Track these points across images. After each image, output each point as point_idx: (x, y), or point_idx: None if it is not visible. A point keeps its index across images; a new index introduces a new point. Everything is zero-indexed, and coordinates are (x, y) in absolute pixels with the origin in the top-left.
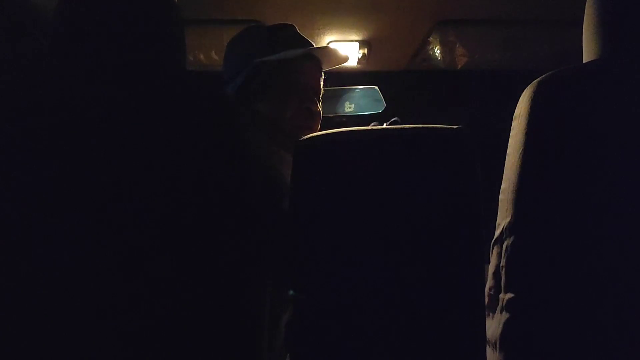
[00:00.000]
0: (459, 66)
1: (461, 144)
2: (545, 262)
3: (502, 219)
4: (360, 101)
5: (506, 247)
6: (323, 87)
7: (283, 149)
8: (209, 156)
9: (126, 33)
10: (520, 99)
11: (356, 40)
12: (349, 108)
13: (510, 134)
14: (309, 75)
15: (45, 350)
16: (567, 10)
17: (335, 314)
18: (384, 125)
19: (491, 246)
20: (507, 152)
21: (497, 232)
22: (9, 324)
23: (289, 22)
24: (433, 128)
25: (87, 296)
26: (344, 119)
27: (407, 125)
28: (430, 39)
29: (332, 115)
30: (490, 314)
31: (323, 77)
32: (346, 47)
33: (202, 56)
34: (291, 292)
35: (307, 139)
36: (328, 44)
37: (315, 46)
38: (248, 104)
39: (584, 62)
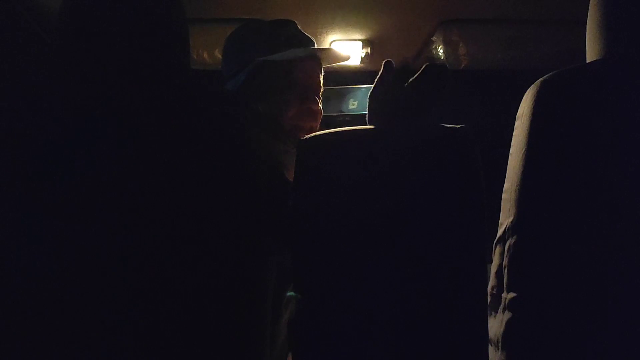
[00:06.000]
0: (462, 65)
1: (464, 143)
2: (547, 262)
3: (505, 219)
4: (364, 100)
5: (509, 246)
6: (325, 86)
7: (284, 147)
8: (213, 154)
9: (131, 31)
10: (524, 98)
11: (359, 40)
12: (352, 106)
13: (513, 134)
14: (310, 74)
15: (50, 349)
16: (570, 10)
17: (337, 312)
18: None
19: (494, 245)
20: (510, 151)
21: (500, 232)
22: (14, 325)
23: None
24: (436, 127)
25: (89, 294)
26: (348, 118)
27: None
28: (434, 38)
29: (335, 114)
30: (493, 313)
31: (323, 73)
32: (349, 46)
33: (205, 54)
34: (293, 290)
35: (310, 138)
36: (331, 43)
37: (315, 43)
38: (249, 102)
39: (587, 61)
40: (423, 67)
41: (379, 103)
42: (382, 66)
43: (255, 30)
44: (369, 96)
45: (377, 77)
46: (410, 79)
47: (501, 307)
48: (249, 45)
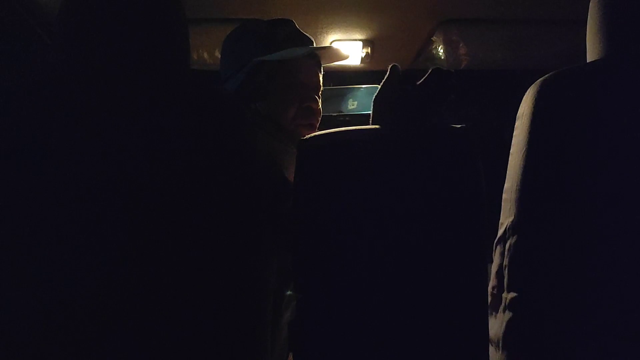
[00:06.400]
0: (463, 65)
1: (465, 143)
2: (548, 262)
3: (505, 219)
4: (364, 100)
5: (509, 246)
6: (324, 86)
7: (284, 147)
8: (214, 154)
9: (131, 32)
10: (524, 98)
11: (359, 40)
12: (352, 106)
13: (514, 134)
14: (309, 74)
15: (52, 350)
16: (571, 9)
17: (338, 313)
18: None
19: (494, 245)
20: (511, 151)
21: (500, 232)
22: (18, 326)
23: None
24: (437, 127)
25: (88, 293)
26: (348, 118)
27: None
28: (434, 38)
29: (335, 114)
30: (493, 313)
31: (322, 72)
32: (349, 46)
33: (205, 54)
34: (293, 290)
35: (310, 138)
36: (331, 43)
37: (314, 42)
38: (248, 102)
39: (587, 61)
40: (429, 71)
41: (384, 106)
42: (389, 70)
43: (253, 31)
44: (374, 99)
45: (384, 80)
46: (417, 83)
47: (501, 307)
48: (247, 46)
